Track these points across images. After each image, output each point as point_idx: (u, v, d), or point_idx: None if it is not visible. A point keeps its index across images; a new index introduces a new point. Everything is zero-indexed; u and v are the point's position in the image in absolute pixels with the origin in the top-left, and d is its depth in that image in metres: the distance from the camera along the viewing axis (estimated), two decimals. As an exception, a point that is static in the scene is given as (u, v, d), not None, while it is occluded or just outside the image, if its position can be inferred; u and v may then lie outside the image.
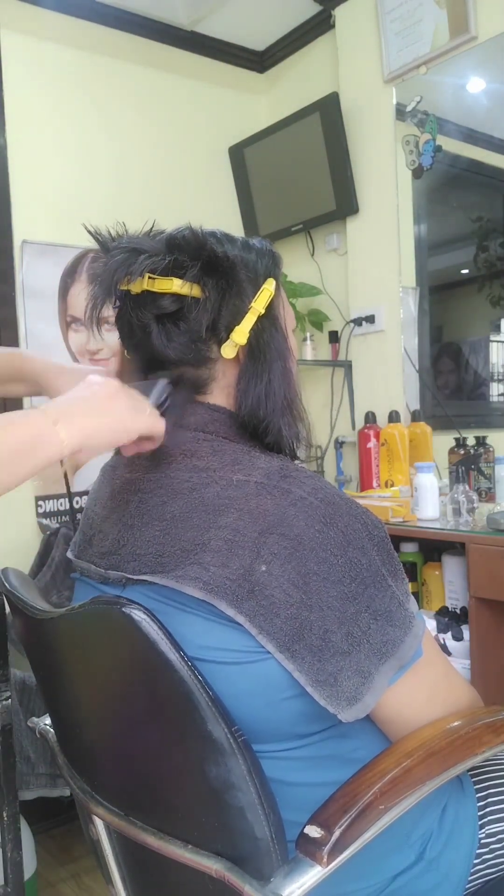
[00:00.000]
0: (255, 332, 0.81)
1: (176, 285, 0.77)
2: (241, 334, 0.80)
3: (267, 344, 0.82)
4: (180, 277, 0.77)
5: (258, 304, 0.81)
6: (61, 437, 0.68)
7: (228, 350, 0.80)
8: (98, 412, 0.72)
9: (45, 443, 0.67)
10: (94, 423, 0.71)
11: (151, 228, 0.84)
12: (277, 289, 0.85)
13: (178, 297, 0.78)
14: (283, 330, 0.85)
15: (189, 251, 0.78)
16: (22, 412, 0.69)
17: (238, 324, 0.80)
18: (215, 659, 0.70)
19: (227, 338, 0.80)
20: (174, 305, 0.78)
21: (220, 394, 0.83)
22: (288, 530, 0.69)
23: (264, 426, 0.81)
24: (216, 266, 0.79)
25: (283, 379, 0.83)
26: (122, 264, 0.77)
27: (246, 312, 0.80)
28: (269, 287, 0.82)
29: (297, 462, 0.82)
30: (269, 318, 0.83)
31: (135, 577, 0.74)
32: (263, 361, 0.82)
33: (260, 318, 0.81)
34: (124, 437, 0.74)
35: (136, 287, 0.78)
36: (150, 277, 0.77)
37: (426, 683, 0.77)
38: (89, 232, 0.82)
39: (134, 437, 0.75)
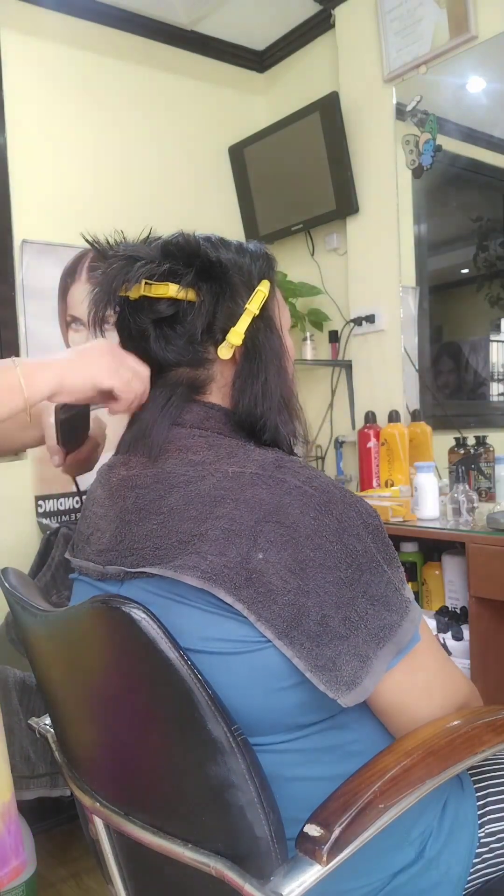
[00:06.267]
0: (251, 332, 0.83)
1: (172, 290, 0.79)
2: (236, 335, 0.81)
3: (262, 344, 0.84)
4: (176, 283, 0.79)
5: (252, 306, 0.83)
6: (31, 382, 0.77)
7: (224, 351, 0.82)
8: (78, 363, 0.80)
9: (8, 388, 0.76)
10: (69, 371, 0.79)
11: (149, 235, 0.85)
12: (272, 290, 0.86)
13: (174, 301, 0.80)
14: (279, 330, 0.87)
15: (183, 257, 0.81)
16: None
17: (233, 325, 0.82)
18: (215, 650, 0.71)
19: (223, 339, 0.82)
20: (170, 310, 0.80)
21: (219, 394, 0.84)
22: (284, 518, 0.70)
23: (261, 424, 0.83)
24: (210, 270, 0.81)
25: (279, 378, 0.85)
26: (119, 272, 0.79)
27: (241, 314, 0.82)
28: (263, 289, 0.84)
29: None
30: (264, 318, 0.85)
31: (133, 571, 0.75)
32: (259, 361, 0.83)
33: (255, 320, 0.83)
34: (91, 386, 0.80)
35: (133, 293, 0.80)
36: (146, 283, 0.79)
37: (424, 669, 0.77)
38: (88, 241, 0.83)
39: (99, 390, 0.80)
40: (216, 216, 2.64)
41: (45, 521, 2.21)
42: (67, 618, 0.76)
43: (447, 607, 1.81)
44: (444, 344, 2.35)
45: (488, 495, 1.88)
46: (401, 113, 2.22)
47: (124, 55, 2.42)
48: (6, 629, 1.97)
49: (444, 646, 1.67)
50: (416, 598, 1.95)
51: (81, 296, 2.30)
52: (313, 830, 0.63)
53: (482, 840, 0.85)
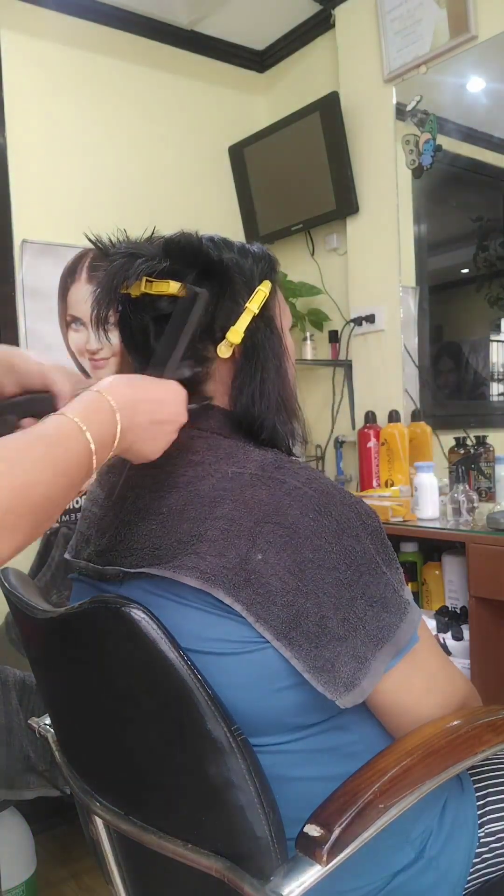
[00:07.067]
0: (250, 331, 0.82)
1: (172, 287, 0.79)
2: (235, 334, 0.81)
3: (262, 343, 0.84)
4: (177, 280, 0.79)
5: (253, 305, 0.82)
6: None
7: (224, 350, 0.82)
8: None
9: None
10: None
11: (152, 234, 0.85)
12: (273, 291, 0.86)
13: (174, 299, 0.80)
14: (279, 330, 0.87)
15: (185, 255, 0.80)
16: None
17: (233, 324, 0.81)
18: (214, 650, 0.71)
19: (223, 338, 0.81)
20: (171, 307, 0.80)
21: (218, 392, 0.84)
22: (283, 519, 0.70)
23: (259, 423, 0.83)
24: (211, 269, 0.81)
25: (278, 377, 0.85)
26: (120, 269, 0.79)
27: (241, 313, 0.82)
28: (263, 289, 0.84)
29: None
30: (265, 318, 0.84)
31: (132, 571, 0.75)
32: (258, 360, 0.83)
33: (255, 319, 0.83)
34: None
35: (134, 290, 0.80)
36: (147, 280, 0.79)
37: (423, 670, 0.77)
38: (90, 240, 0.83)
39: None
40: (216, 216, 2.64)
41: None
42: (67, 618, 0.76)
43: (447, 607, 1.81)
44: (444, 344, 2.35)
45: (488, 495, 1.87)
46: (401, 113, 2.22)
47: (124, 55, 2.42)
48: (6, 629, 1.97)
49: (444, 646, 1.67)
50: (416, 598, 1.96)
51: (81, 296, 2.30)
52: (313, 830, 0.63)
53: (482, 840, 0.85)
